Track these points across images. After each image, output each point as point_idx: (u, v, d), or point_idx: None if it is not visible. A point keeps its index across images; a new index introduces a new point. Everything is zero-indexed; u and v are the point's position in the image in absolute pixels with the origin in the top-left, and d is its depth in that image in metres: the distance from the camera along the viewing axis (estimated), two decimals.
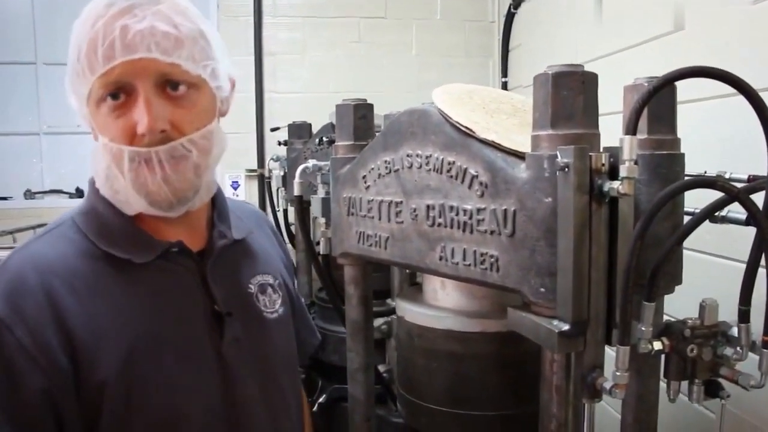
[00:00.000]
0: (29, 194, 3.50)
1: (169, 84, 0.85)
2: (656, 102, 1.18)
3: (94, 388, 0.80)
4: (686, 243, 1.20)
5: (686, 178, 1.16)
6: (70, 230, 0.92)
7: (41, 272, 0.83)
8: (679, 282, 1.22)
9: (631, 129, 0.93)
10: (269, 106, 3.45)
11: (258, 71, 3.42)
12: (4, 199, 3.49)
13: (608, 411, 2.08)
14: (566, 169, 0.97)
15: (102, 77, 0.82)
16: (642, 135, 1.19)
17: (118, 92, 0.82)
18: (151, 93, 0.82)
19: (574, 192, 0.97)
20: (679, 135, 1.21)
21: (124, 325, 0.85)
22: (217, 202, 1.02)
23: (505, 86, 3.24)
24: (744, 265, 1.01)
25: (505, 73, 3.24)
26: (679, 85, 1.18)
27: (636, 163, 0.95)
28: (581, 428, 1.10)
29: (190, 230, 0.95)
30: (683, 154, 1.21)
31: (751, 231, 1.04)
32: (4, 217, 3.28)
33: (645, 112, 1.19)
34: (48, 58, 3.60)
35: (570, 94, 1.04)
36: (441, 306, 1.37)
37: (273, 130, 3.30)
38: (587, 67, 1.03)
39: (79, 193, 3.53)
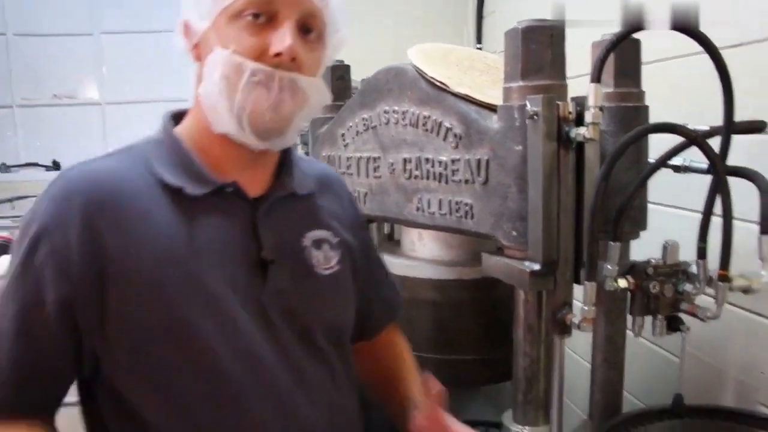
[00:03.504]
0: (4, 168, 3.48)
1: (304, 27, 0.88)
2: (621, 57, 1.24)
3: (123, 306, 0.82)
4: (653, 197, 1.27)
5: None
6: (134, 154, 0.92)
7: (90, 189, 0.84)
8: (644, 227, 1.29)
9: (596, 77, 0.98)
10: None
11: None
12: None
13: (579, 362, 2.17)
14: (535, 117, 1.03)
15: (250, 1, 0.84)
16: (609, 88, 1.25)
17: (261, 14, 0.85)
18: (295, 26, 0.86)
19: (543, 139, 1.03)
20: (648, 91, 1.27)
21: (160, 246, 0.85)
22: (285, 155, 1.03)
23: None
24: None
25: (479, 39, 3.27)
26: (648, 45, 1.24)
27: (601, 109, 1.01)
28: (553, 364, 1.17)
29: (252, 176, 0.95)
30: (647, 107, 1.27)
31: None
32: None
33: (612, 67, 1.24)
34: (19, 29, 3.55)
35: (539, 48, 1.09)
36: (419, 257, 1.43)
37: None
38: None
39: (55, 165, 3.52)
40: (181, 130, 0.96)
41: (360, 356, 1.13)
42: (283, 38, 0.84)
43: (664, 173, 1.26)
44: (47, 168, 3.53)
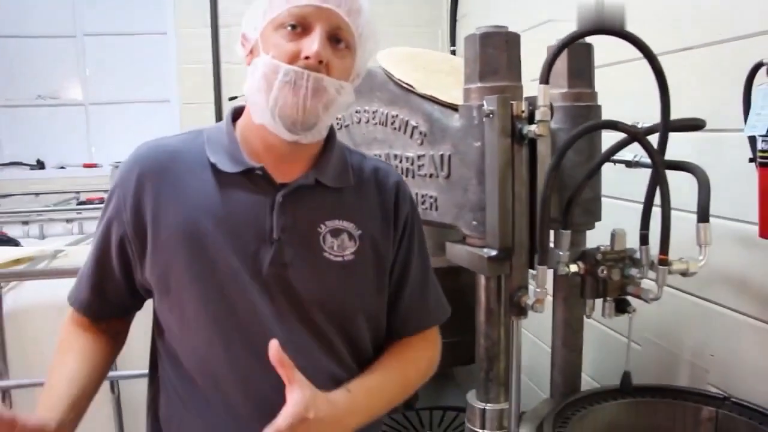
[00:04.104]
0: None
1: (334, 38, 1.02)
2: (575, 60, 1.33)
3: (155, 263, 1.04)
4: (609, 191, 1.35)
5: None
6: (200, 135, 1.11)
7: (148, 161, 1.07)
8: (599, 218, 1.39)
9: (544, 79, 1.07)
10: (227, 77, 3.53)
11: (214, 43, 3.49)
12: None
13: (542, 347, 2.26)
14: (491, 116, 1.12)
15: (293, 9, 0.99)
16: (563, 89, 1.35)
17: (298, 25, 0.99)
18: (324, 35, 1.00)
19: (498, 135, 1.12)
20: (604, 93, 1.35)
21: (187, 210, 1.03)
22: (324, 150, 1.13)
23: (453, 54, 3.37)
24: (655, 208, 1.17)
25: (453, 41, 3.37)
26: (603, 50, 1.33)
27: (551, 108, 1.10)
28: (511, 345, 1.26)
29: (287, 166, 1.08)
30: (599, 106, 1.36)
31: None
32: None
33: (566, 69, 1.34)
34: (3, 30, 3.63)
35: (495, 52, 1.19)
36: None
37: (231, 99, 3.39)
38: (531, 32, 1.17)
39: (39, 164, 3.59)
40: (238, 122, 1.12)
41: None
42: (311, 44, 0.98)
43: (618, 169, 1.35)
44: (31, 167, 3.60)
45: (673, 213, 1.32)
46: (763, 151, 1.21)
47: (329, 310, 1.07)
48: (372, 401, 1.09)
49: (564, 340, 1.45)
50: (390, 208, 1.15)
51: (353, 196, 1.12)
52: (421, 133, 1.29)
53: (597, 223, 1.38)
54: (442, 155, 1.25)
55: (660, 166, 1.11)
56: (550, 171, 1.08)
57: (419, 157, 1.29)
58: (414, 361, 1.19)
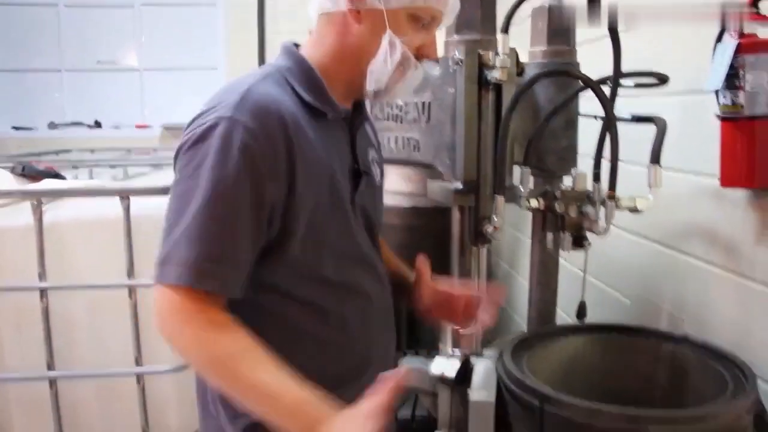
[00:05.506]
0: (52, 125, 3.87)
1: None
2: (555, 21, 1.46)
3: (302, 210, 1.04)
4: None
5: None
6: (275, 79, 1.09)
7: (279, 107, 1.02)
8: (574, 165, 1.51)
9: (504, 29, 1.22)
10: (271, 46, 3.74)
11: (260, 14, 3.70)
12: (30, 129, 3.87)
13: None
14: (460, 64, 1.27)
15: (431, 11, 1.08)
16: (542, 47, 1.48)
17: (427, 22, 1.10)
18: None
19: (466, 81, 1.27)
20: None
21: (323, 163, 1.08)
22: None
23: None
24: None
25: None
26: None
27: (518, 58, 1.24)
28: (479, 271, 1.41)
29: (350, 100, 1.17)
30: (578, 63, 1.48)
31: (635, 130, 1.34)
32: (30, 146, 3.62)
33: (545, 28, 1.47)
34: (70, 2, 3.92)
35: (470, 8, 1.32)
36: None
37: None
38: None
39: (97, 124, 3.88)
40: (312, 61, 1.12)
41: None
42: (435, 48, 1.13)
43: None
44: (90, 126, 3.90)
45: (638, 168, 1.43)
46: (724, 105, 1.31)
47: (378, 224, 1.24)
48: None
49: (539, 279, 1.58)
50: (376, 139, 1.30)
51: (370, 127, 1.27)
52: None
53: None
54: (424, 102, 1.40)
55: (609, 110, 1.23)
56: (506, 113, 1.22)
57: (406, 104, 1.45)
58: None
